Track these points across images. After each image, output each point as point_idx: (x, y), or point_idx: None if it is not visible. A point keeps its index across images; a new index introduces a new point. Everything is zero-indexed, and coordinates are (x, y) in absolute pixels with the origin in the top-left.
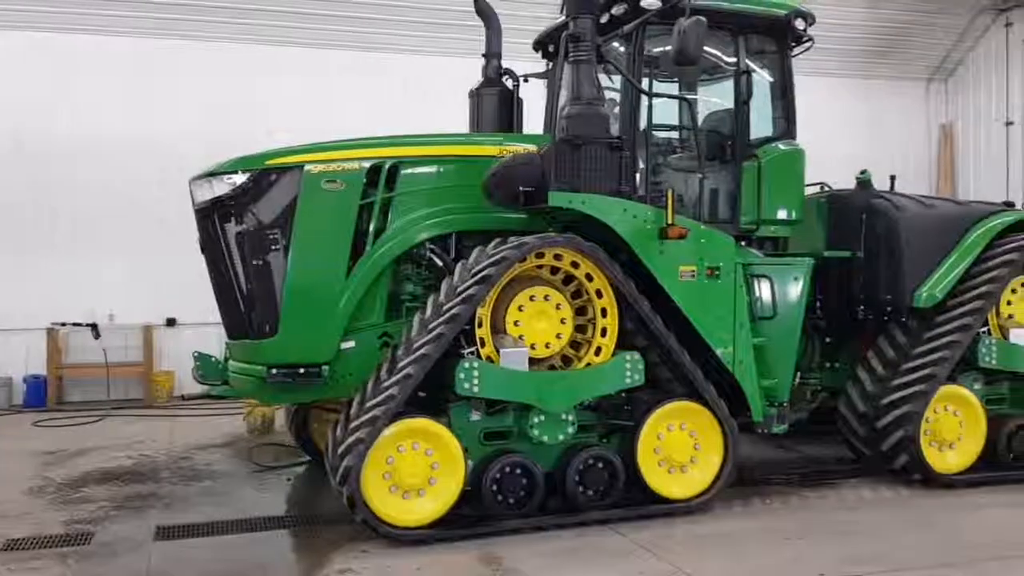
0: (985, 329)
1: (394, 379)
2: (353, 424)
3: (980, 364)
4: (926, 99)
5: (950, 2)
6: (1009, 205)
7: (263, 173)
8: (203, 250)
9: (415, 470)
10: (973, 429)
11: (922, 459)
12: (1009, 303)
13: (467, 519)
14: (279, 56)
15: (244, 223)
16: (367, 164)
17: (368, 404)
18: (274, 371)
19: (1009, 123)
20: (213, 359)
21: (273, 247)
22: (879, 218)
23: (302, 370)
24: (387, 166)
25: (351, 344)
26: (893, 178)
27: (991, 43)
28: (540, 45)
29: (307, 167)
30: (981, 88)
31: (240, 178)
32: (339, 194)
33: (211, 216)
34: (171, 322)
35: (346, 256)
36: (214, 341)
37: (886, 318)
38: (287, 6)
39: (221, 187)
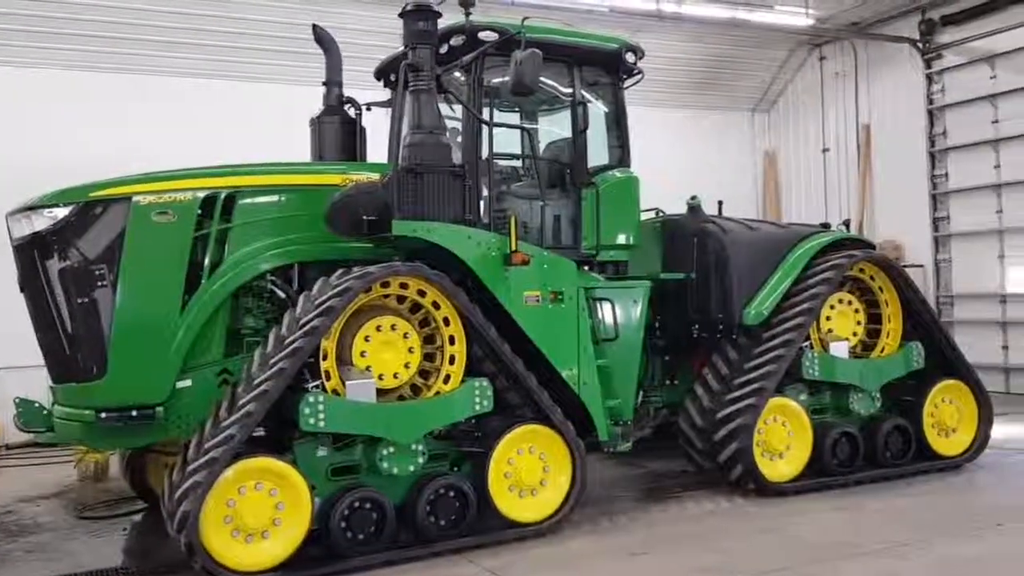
0: (808, 343)
1: (234, 418)
2: (191, 467)
3: (804, 376)
4: (751, 128)
5: (769, 37)
6: (825, 227)
7: (87, 205)
8: (22, 289)
9: (258, 512)
10: (800, 438)
11: (755, 469)
12: (828, 318)
13: (315, 559)
14: (110, 83)
15: (67, 259)
16: (201, 194)
17: (207, 445)
18: (103, 415)
19: (825, 150)
20: (37, 404)
21: (99, 283)
22: (709, 241)
23: (134, 412)
24: (222, 196)
25: (187, 383)
26: (720, 203)
27: (807, 75)
28: (381, 74)
29: (135, 198)
30: (800, 117)
31: (62, 211)
32: (171, 226)
33: (30, 252)
34: None
35: (180, 290)
36: (39, 386)
37: (719, 336)
38: (117, 32)
39: (41, 221)
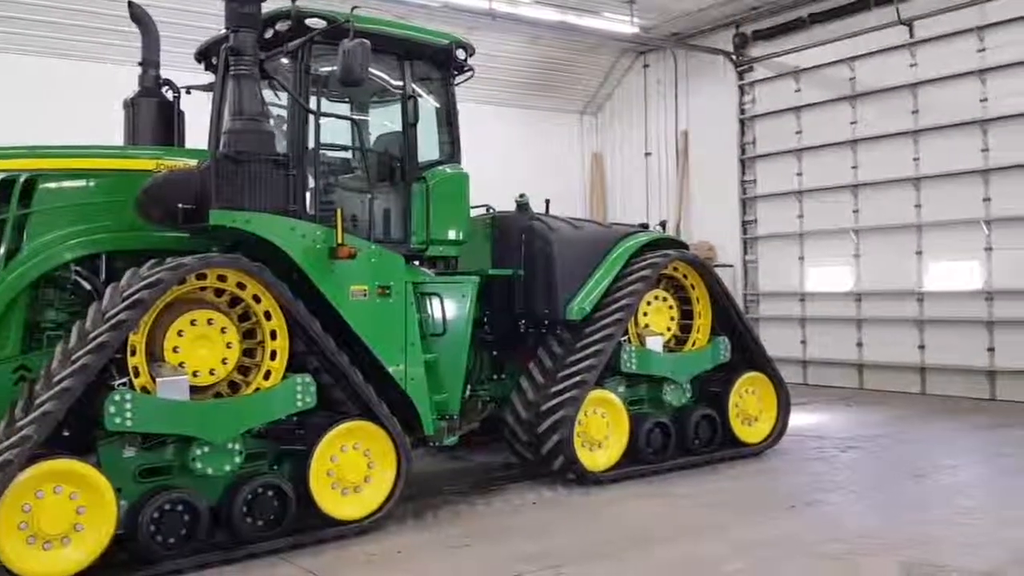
0: (626, 338)
1: (31, 417)
2: None
3: (623, 369)
4: (580, 130)
5: (597, 43)
6: (644, 227)
7: None
8: None
9: (57, 517)
10: (618, 429)
11: (576, 460)
12: (645, 314)
13: (122, 564)
14: None
15: None
16: None
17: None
18: None
19: (647, 154)
20: None
21: None
22: (536, 239)
23: None
24: (22, 179)
25: None
26: (548, 201)
27: (632, 82)
28: (202, 56)
29: None
30: (625, 122)
31: None
32: None
33: None
34: None
35: None
36: None
37: (544, 330)
38: None
39: None
